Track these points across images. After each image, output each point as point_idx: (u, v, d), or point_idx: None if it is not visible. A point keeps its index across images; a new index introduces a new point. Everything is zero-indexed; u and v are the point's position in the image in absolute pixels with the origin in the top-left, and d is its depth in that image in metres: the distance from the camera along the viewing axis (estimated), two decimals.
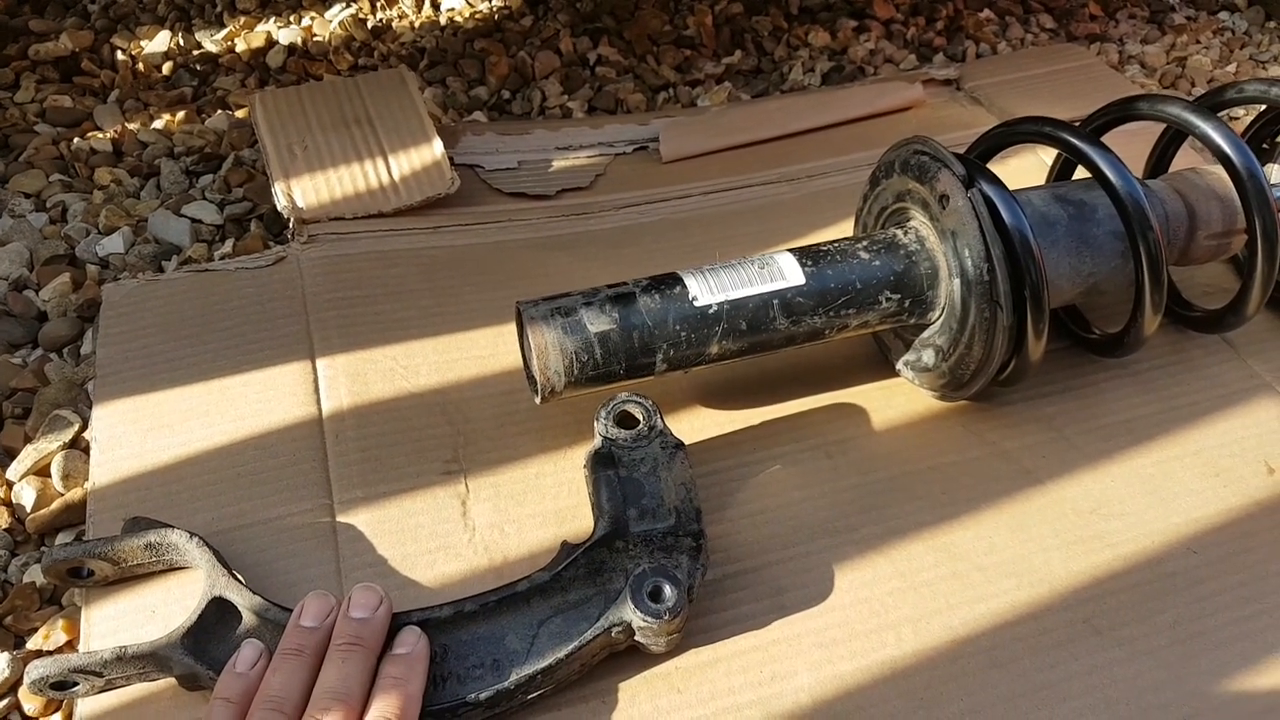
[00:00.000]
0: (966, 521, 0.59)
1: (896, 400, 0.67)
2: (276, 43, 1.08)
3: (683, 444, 0.56)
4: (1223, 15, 1.20)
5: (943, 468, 0.62)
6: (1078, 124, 0.70)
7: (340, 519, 0.57)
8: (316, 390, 0.64)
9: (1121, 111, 0.67)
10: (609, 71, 1.07)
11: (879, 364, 0.68)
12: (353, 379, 0.64)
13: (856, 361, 0.69)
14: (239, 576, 0.51)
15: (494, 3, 1.17)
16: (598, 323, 0.55)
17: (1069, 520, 0.59)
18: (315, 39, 1.10)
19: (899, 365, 0.66)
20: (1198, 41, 1.14)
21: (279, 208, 0.75)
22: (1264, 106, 0.73)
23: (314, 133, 0.80)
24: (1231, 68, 1.10)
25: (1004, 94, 0.97)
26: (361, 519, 0.57)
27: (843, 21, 1.13)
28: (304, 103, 0.83)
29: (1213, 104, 0.71)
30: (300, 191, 0.76)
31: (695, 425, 0.64)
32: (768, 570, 0.56)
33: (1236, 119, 0.99)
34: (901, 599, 0.55)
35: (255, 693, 0.45)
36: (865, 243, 0.61)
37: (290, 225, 0.76)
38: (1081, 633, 0.53)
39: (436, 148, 0.79)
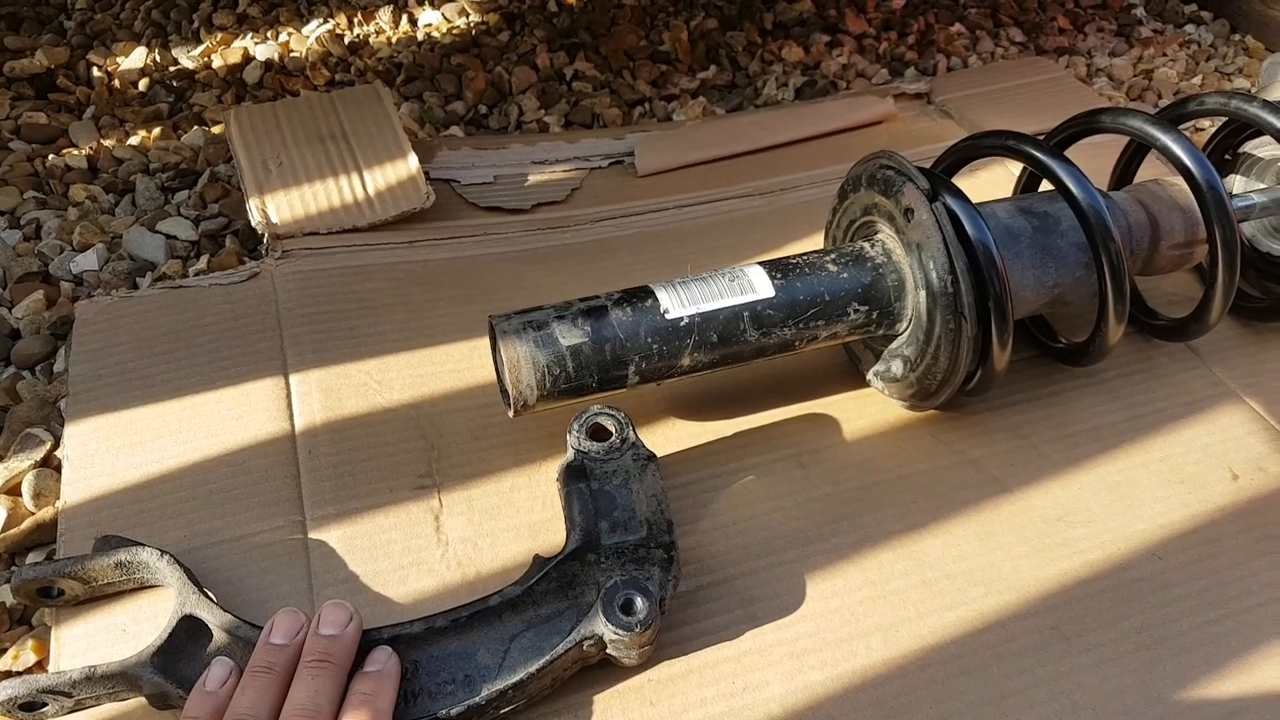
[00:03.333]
0: (936, 529, 0.60)
1: (868, 410, 0.67)
2: (253, 59, 1.09)
3: (654, 456, 0.56)
4: (1189, 28, 1.22)
5: (913, 476, 0.63)
6: (1044, 137, 0.72)
7: (312, 535, 0.57)
8: (289, 406, 0.64)
9: (1085, 124, 0.68)
10: (585, 86, 1.07)
11: (850, 374, 0.69)
12: (326, 394, 0.64)
13: (828, 372, 0.70)
14: (210, 594, 0.51)
15: (471, 18, 1.17)
16: (570, 336, 0.55)
17: (1036, 528, 0.60)
18: (292, 55, 1.10)
19: (869, 375, 0.66)
20: (1164, 54, 1.16)
21: (253, 223, 0.75)
22: (1225, 118, 0.74)
23: (289, 149, 0.80)
24: (1197, 80, 1.11)
25: (974, 107, 0.98)
26: (334, 535, 0.57)
27: (816, 36, 1.14)
28: (279, 119, 0.83)
29: (1175, 116, 0.72)
30: (275, 207, 0.76)
31: (669, 437, 0.65)
32: (740, 581, 0.56)
33: (1202, 129, 1.01)
34: (872, 608, 0.55)
35: (225, 711, 0.45)
36: (834, 255, 0.62)
37: (265, 241, 0.76)
38: (1049, 639, 0.54)
39: (411, 162, 0.79)
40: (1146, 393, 0.69)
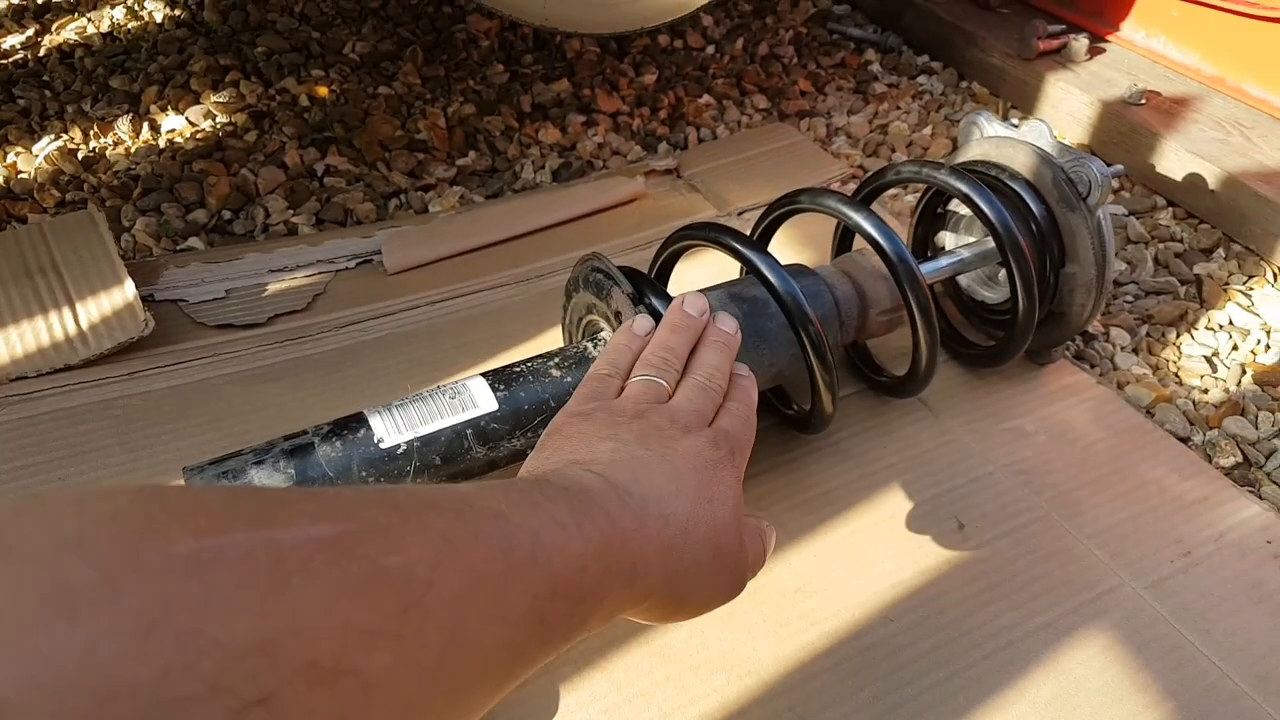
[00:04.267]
0: None
1: None
2: None
3: None
4: (922, 79, 1.30)
5: None
6: (760, 215, 0.75)
7: None
8: None
9: (790, 205, 0.71)
10: (338, 181, 1.05)
11: None
12: None
13: None
14: None
15: (218, 120, 1.13)
16: (270, 482, 0.53)
17: (775, 602, 0.61)
18: (20, 176, 1.04)
19: None
20: (898, 107, 1.24)
21: None
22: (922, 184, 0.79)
23: None
24: (928, 130, 1.19)
25: (718, 179, 1.02)
26: None
27: (572, 117, 1.16)
28: None
29: (877, 186, 0.76)
30: None
31: None
32: None
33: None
34: (618, 715, 0.55)
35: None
36: (557, 359, 0.62)
37: None
38: None
39: (128, 289, 0.75)
40: (878, 449, 0.73)
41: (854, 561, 0.64)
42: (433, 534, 0.29)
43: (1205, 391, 0.83)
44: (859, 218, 0.65)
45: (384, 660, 0.25)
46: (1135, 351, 0.87)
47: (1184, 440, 0.77)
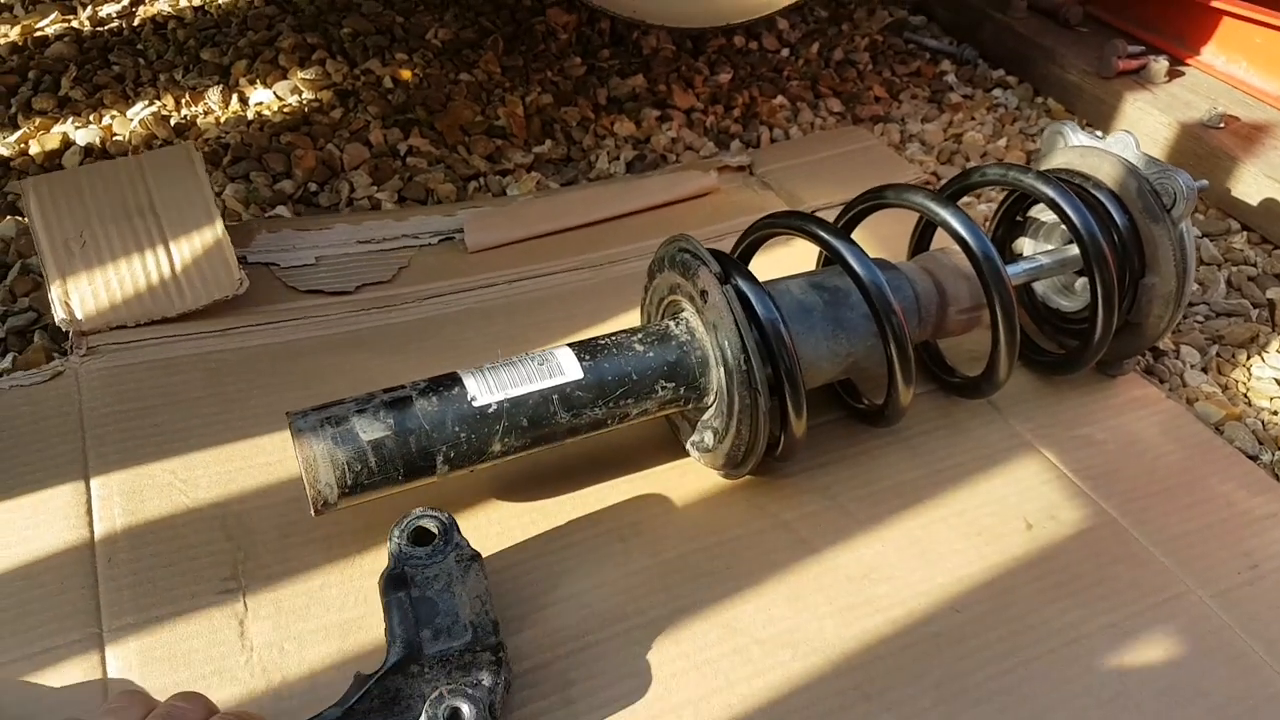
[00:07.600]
0: (748, 594, 0.61)
1: (688, 479, 0.69)
2: (73, 143, 1.05)
3: (478, 555, 0.56)
4: (996, 92, 1.31)
5: (728, 542, 0.65)
6: (842, 209, 0.76)
7: (110, 648, 0.55)
8: (89, 512, 0.61)
9: (875, 200, 0.72)
10: (420, 162, 1.08)
11: (673, 445, 0.71)
12: (128, 497, 0.62)
13: (652, 443, 0.71)
14: None
15: (304, 96, 1.17)
16: (371, 430, 0.55)
17: (842, 587, 0.62)
18: (115, 138, 1.07)
19: (687, 445, 0.68)
20: (973, 118, 1.24)
21: (57, 320, 0.73)
22: (1009, 187, 0.80)
23: (93, 225, 0.77)
24: (1002, 142, 1.19)
25: (792, 178, 1.03)
26: (132, 647, 0.55)
27: (647, 111, 1.18)
28: (83, 188, 0.80)
29: (961, 187, 0.77)
30: (79, 299, 0.74)
31: (491, 519, 0.65)
32: (555, 665, 0.57)
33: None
34: (684, 680, 0.56)
35: None
36: (640, 335, 0.64)
37: (70, 337, 0.73)
38: (852, 700, 0.56)
39: (224, 247, 0.78)
40: (947, 447, 0.73)
41: (922, 553, 0.65)
42: None
43: (1275, 413, 0.83)
44: (946, 214, 0.66)
45: None
46: (1205, 370, 0.87)
47: (1253, 458, 0.77)
